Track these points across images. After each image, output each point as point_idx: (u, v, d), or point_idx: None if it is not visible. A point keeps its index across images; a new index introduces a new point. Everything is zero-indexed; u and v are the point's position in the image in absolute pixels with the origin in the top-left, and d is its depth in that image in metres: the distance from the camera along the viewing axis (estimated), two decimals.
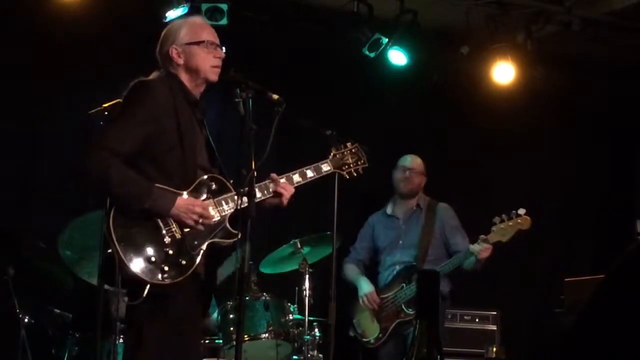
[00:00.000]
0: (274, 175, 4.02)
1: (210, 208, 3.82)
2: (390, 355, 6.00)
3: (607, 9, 7.03)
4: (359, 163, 4.37)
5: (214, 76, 3.96)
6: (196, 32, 3.96)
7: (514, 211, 5.77)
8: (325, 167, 4.22)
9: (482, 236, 5.78)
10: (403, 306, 5.93)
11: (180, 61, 3.92)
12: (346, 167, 4.31)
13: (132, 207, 3.65)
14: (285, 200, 4.03)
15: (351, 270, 6.29)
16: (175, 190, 3.75)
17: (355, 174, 4.36)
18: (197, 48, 3.92)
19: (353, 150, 4.35)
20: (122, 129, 3.74)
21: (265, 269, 5.83)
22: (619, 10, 6.99)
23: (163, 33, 4.02)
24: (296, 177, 4.11)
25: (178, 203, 3.71)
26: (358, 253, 6.40)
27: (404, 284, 5.97)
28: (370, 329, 6.03)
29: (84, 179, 3.80)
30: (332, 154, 4.28)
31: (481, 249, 5.74)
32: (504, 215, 5.77)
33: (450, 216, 6.27)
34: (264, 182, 3.96)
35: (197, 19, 4.11)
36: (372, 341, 5.99)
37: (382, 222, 6.37)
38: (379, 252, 6.31)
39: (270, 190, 3.99)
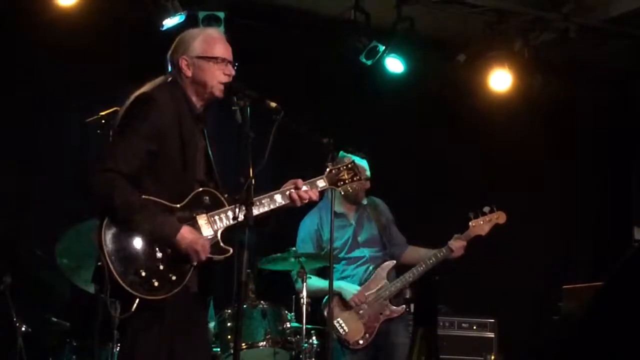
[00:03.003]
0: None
1: (203, 222, 3.78)
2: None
3: (604, 16, 7.05)
4: (354, 179, 4.29)
5: (220, 93, 3.88)
6: (210, 47, 3.87)
7: (484, 209, 5.93)
8: (321, 183, 4.14)
9: (457, 235, 5.90)
10: (387, 303, 5.85)
11: (189, 73, 3.85)
12: (341, 182, 4.23)
13: (135, 230, 3.63)
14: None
15: (314, 279, 5.87)
16: (175, 219, 3.69)
17: (350, 190, 4.31)
18: (208, 63, 3.85)
19: (349, 166, 4.27)
20: (127, 148, 3.66)
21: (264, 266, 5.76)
22: (615, 17, 7.02)
23: (177, 39, 3.92)
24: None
25: (182, 233, 3.67)
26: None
27: (385, 281, 5.87)
28: (355, 330, 5.80)
29: (92, 195, 3.76)
30: (328, 169, 4.21)
31: (459, 246, 5.86)
32: (478, 211, 5.93)
33: (388, 209, 6.19)
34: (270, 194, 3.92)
35: (214, 32, 3.99)
36: (361, 342, 5.77)
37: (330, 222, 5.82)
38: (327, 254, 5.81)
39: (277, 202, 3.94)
